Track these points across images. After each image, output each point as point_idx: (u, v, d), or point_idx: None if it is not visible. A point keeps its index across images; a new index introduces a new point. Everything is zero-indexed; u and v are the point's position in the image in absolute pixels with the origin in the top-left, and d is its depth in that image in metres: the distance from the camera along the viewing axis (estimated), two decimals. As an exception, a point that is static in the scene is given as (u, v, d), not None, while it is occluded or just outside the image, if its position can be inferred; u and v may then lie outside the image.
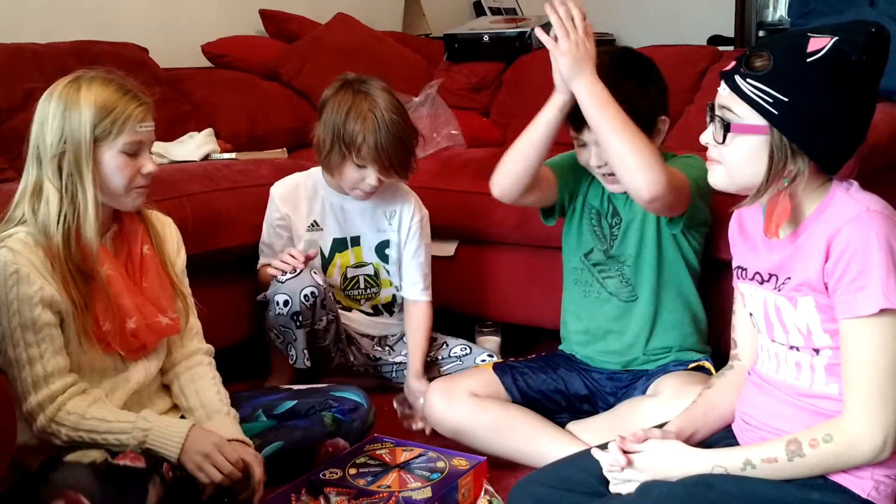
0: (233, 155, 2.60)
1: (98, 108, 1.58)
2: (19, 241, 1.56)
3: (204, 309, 1.85)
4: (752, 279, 1.42)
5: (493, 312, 2.55)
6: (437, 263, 2.44)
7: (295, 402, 1.90)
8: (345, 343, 2.32)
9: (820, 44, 1.26)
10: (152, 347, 1.72)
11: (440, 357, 2.37)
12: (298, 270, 2.17)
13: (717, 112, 1.35)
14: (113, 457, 1.54)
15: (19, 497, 1.51)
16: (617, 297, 1.99)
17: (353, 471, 1.72)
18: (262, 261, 2.34)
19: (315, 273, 2.20)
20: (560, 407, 2.00)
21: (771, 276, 1.38)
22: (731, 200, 1.44)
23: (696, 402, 1.52)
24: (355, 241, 2.35)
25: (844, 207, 1.29)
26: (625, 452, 1.39)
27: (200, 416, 1.72)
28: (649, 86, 1.88)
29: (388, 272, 2.37)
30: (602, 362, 2.02)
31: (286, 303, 2.15)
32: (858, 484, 1.29)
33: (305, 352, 2.20)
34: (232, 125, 2.88)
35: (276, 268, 2.21)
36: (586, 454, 1.47)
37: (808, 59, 1.26)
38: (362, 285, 2.37)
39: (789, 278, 1.34)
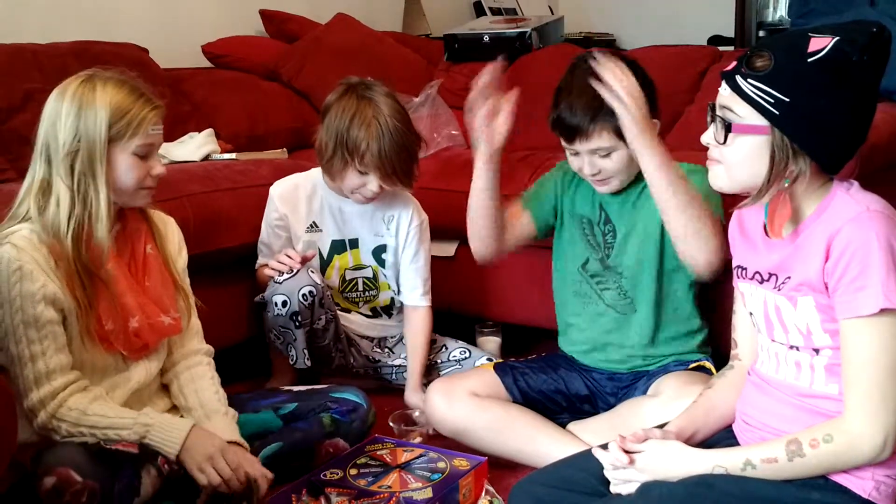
0: (233, 155, 2.60)
1: (114, 109, 1.58)
2: (23, 238, 1.56)
3: (204, 307, 1.85)
4: (752, 279, 1.42)
5: (493, 313, 2.55)
6: (437, 264, 2.44)
7: (296, 404, 1.91)
8: (345, 344, 2.32)
9: (821, 44, 1.26)
10: (154, 347, 1.72)
11: (439, 360, 2.36)
12: (295, 270, 2.16)
13: (718, 112, 1.35)
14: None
15: (19, 497, 1.51)
16: (614, 308, 1.98)
17: (353, 471, 1.72)
18: (260, 260, 2.33)
19: (312, 272, 2.20)
20: (561, 407, 2.00)
21: (771, 275, 1.38)
22: (731, 201, 1.44)
23: (697, 403, 1.52)
24: (354, 243, 2.34)
25: (845, 207, 1.29)
26: (625, 452, 1.39)
27: (199, 415, 1.72)
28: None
29: (385, 276, 2.37)
30: (603, 366, 2.02)
31: (285, 303, 2.15)
32: (859, 484, 1.29)
33: (305, 352, 2.20)
34: (232, 125, 2.87)
35: (272, 268, 2.20)
36: (587, 454, 1.47)
37: (809, 59, 1.26)
38: (361, 288, 2.37)
39: (789, 278, 1.34)
